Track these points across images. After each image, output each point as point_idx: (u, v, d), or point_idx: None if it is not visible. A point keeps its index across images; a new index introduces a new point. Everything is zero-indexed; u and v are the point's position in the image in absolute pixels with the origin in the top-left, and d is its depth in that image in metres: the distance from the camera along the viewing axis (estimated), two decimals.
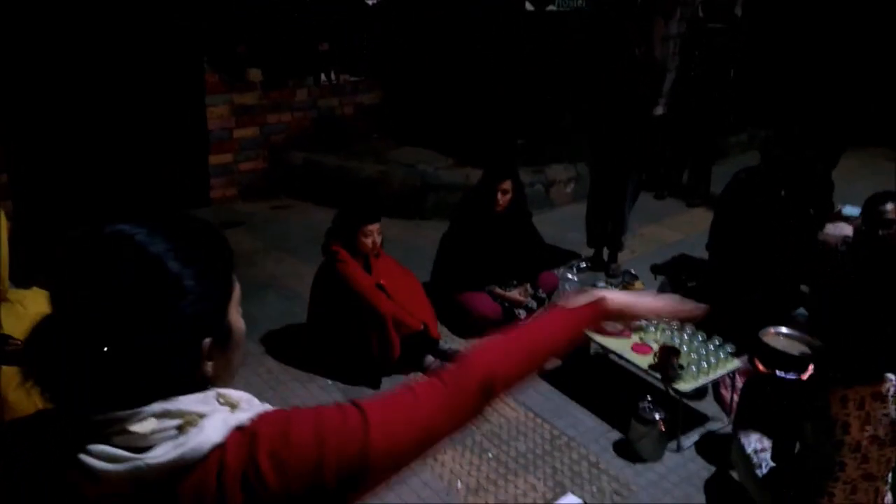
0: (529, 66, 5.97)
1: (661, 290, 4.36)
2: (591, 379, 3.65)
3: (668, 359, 3.14)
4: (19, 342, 2.03)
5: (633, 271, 4.55)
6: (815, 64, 7.26)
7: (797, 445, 2.36)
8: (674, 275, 4.42)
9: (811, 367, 3.01)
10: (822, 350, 2.75)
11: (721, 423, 3.33)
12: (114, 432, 0.76)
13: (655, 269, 4.69)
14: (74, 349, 0.76)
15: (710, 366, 3.18)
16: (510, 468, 3.02)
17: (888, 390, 2.14)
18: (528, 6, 5.79)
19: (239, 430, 0.81)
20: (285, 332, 4.01)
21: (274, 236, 5.42)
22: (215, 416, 0.80)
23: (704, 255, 4.29)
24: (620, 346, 3.41)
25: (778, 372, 3.00)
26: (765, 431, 2.66)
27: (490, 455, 3.10)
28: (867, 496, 2.16)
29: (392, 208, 5.43)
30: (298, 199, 6.15)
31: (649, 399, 3.13)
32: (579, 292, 1.13)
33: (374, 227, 3.59)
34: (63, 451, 0.76)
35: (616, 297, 1.13)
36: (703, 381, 3.16)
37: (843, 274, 3.57)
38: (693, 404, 3.42)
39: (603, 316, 1.14)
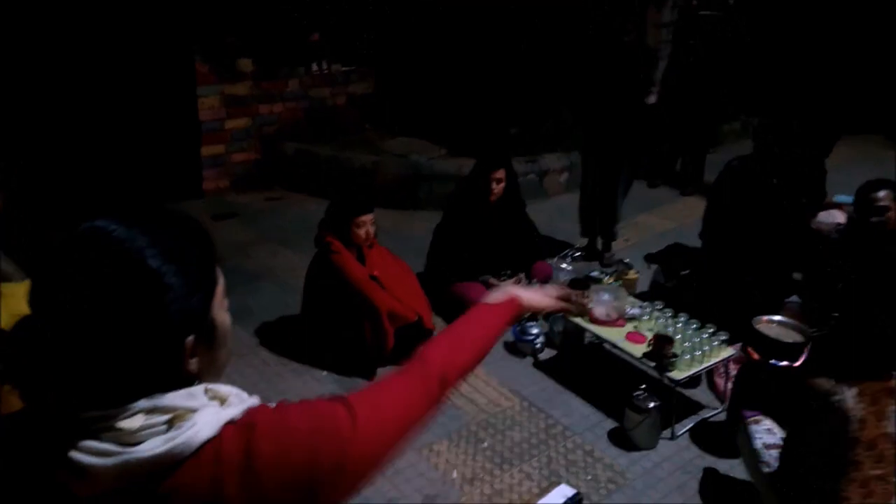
0: (522, 55, 5.95)
1: (655, 278, 4.36)
2: (585, 368, 3.66)
3: (661, 347, 3.15)
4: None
5: (626, 260, 4.56)
6: (808, 52, 7.26)
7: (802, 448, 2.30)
8: (667, 263, 4.42)
9: (804, 354, 3.03)
10: (832, 343, 2.71)
11: (715, 411, 3.35)
12: (101, 429, 0.75)
13: (649, 258, 4.70)
14: (54, 349, 0.75)
15: (703, 354, 3.19)
16: (505, 458, 3.03)
17: None
18: None
19: (231, 423, 0.81)
20: (279, 324, 4.01)
21: (267, 228, 5.40)
22: (206, 411, 0.80)
23: (698, 243, 4.29)
24: (615, 335, 3.42)
25: (771, 360, 3.01)
26: (774, 418, 2.62)
27: (485, 445, 3.11)
28: (881, 497, 2.10)
29: (385, 199, 5.42)
30: (292, 189, 6.14)
31: (643, 388, 3.14)
32: (496, 290, 1.27)
33: (367, 218, 3.58)
34: (49, 449, 0.76)
35: (524, 293, 1.27)
36: (696, 369, 3.18)
37: (837, 264, 3.57)
38: (687, 392, 3.44)
39: (520, 310, 1.27)
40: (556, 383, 3.56)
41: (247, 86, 6.03)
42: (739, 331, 3.28)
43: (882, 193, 3.42)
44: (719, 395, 3.43)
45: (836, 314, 3.45)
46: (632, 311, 3.53)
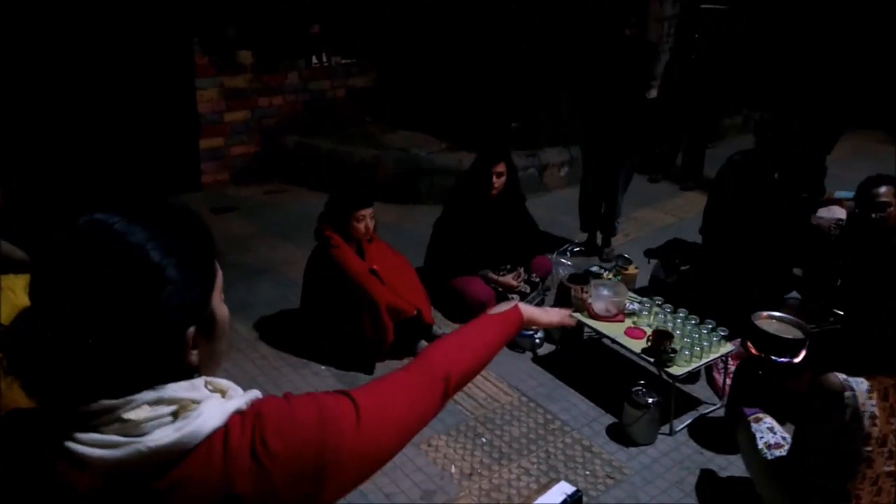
0: (523, 49, 5.92)
1: (655, 273, 4.36)
2: (584, 363, 3.67)
3: (660, 343, 3.15)
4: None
5: (626, 255, 4.54)
6: (810, 46, 7.22)
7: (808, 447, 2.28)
8: (667, 258, 4.41)
9: (804, 350, 3.02)
10: (841, 337, 2.68)
11: (713, 407, 3.35)
12: (103, 422, 0.76)
13: (649, 253, 4.68)
14: (56, 343, 0.75)
15: (702, 350, 3.19)
16: (504, 453, 3.03)
17: None
18: None
19: (239, 413, 0.82)
20: (279, 318, 4.00)
21: (267, 221, 5.39)
22: (210, 402, 0.81)
23: (698, 238, 4.28)
24: (614, 330, 3.42)
25: (771, 356, 3.01)
26: (776, 416, 2.61)
27: (483, 440, 3.11)
28: (890, 498, 2.09)
29: (385, 193, 5.41)
30: (291, 183, 6.12)
31: (642, 383, 3.14)
32: (501, 303, 1.35)
33: (367, 212, 3.58)
34: (49, 443, 0.76)
35: (527, 309, 1.35)
36: (695, 364, 3.18)
37: (837, 261, 3.56)
38: (686, 388, 3.44)
39: (522, 322, 1.33)
40: (554, 378, 3.56)
41: (246, 78, 6.00)
42: (739, 326, 3.28)
43: (883, 189, 3.41)
44: (718, 391, 3.43)
45: (837, 310, 3.45)
46: (631, 307, 3.53)
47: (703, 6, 5.79)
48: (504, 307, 1.31)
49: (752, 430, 2.55)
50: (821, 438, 2.13)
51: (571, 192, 5.37)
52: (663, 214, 5.73)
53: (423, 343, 3.67)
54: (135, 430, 0.75)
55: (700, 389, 3.49)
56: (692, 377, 3.43)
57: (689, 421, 3.25)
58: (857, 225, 3.58)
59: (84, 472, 0.74)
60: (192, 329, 0.81)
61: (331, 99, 6.61)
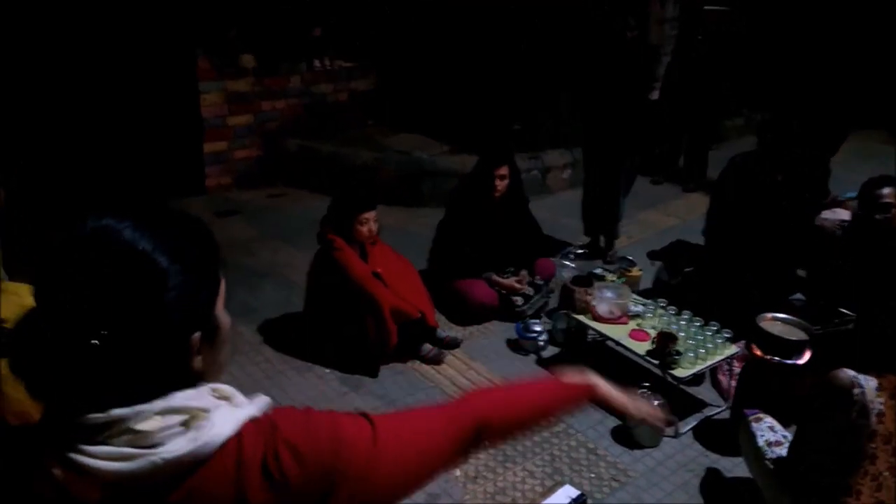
0: (524, 51, 5.93)
1: (658, 275, 4.35)
2: (588, 365, 3.64)
3: (665, 345, 3.15)
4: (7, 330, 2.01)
5: (629, 257, 4.55)
6: (813, 47, 7.22)
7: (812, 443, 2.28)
8: (670, 260, 4.41)
9: (807, 352, 3.02)
10: (851, 335, 2.68)
11: (718, 409, 3.35)
12: (114, 433, 0.75)
13: (652, 255, 4.68)
14: (61, 350, 0.75)
15: (707, 352, 3.18)
16: (508, 455, 3.03)
17: None
18: None
19: (253, 422, 0.82)
20: (282, 321, 4.00)
21: (270, 225, 5.40)
22: (220, 411, 0.80)
23: (701, 240, 4.28)
24: (618, 332, 3.42)
25: (775, 358, 3.00)
26: (780, 418, 2.61)
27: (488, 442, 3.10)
28: (890, 494, 2.09)
29: (388, 195, 5.41)
30: (294, 186, 6.13)
31: (647, 385, 3.14)
32: (577, 371, 1.23)
33: (370, 215, 3.58)
34: (53, 455, 0.75)
35: (604, 387, 1.25)
36: (700, 367, 3.17)
37: (840, 262, 3.55)
38: (690, 390, 3.44)
39: (591, 399, 1.25)
40: None
41: (249, 82, 6.02)
42: (743, 328, 3.27)
43: (886, 190, 3.40)
44: (723, 393, 3.42)
45: (842, 311, 3.45)
46: (635, 309, 3.52)
47: (706, 7, 5.78)
48: (579, 378, 1.21)
49: (752, 428, 2.56)
50: (824, 437, 2.14)
51: (574, 194, 5.36)
52: (666, 216, 5.72)
53: (427, 346, 3.67)
54: (147, 441, 0.75)
55: (705, 391, 3.49)
56: (697, 379, 3.41)
57: (693, 423, 3.24)
58: (861, 226, 3.58)
59: (94, 485, 0.74)
60: (196, 335, 0.81)
61: (333, 102, 6.62)
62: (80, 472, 0.74)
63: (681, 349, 3.15)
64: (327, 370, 3.59)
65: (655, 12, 4.53)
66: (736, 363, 3.35)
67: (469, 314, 4.01)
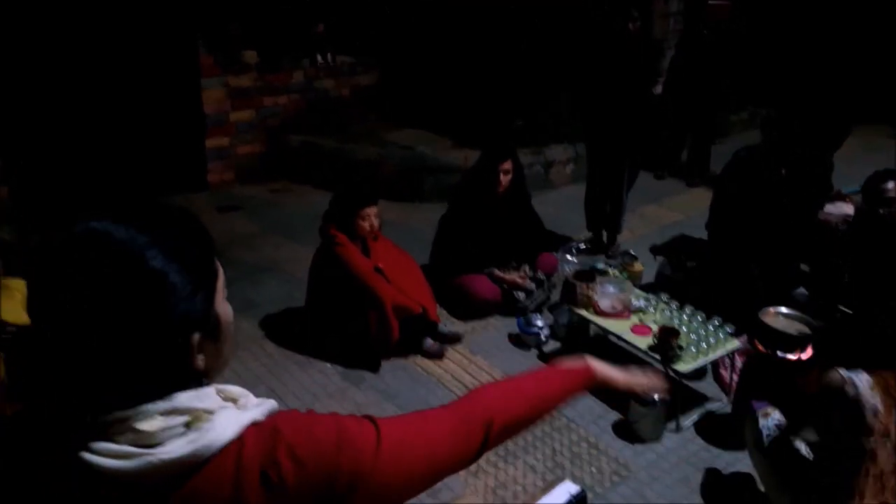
0: (526, 46, 5.91)
1: (661, 270, 4.34)
2: None
3: (667, 340, 3.14)
4: (15, 328, 2.03)
5: (632, 252, 4.54)
6: (816, 42, 7.19)
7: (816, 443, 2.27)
8: (673, 255, 4.40)
9: (810, 347, 3.01)
10: (845, 332, 2.67)
11: (720, 404, 3.34)
12: (117, 431, 0.75)
13: (655, 250, 4.67)
14: (59, 353, 0.75)
15: (709, 346, 3.18)
16: (509, 450, 3.03)
17: None
18: None
19: (255, 426, 0.81)
20: (285, 317, 4.01)
21: (272, 220, 5.40)
22: (225, 413, 0.80)
23: (704, 235, 4.27)
24: (620, 327, 3.41)
25: (777, 352, 3.00)
26: (783, 413, 2.60)
27: None
28: (893, 494, 2.07)
29: (390, 190, 5.41)
30: (296, 182, 6.14)
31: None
32: (572, 357, 1.22)
33: (372, 210, 3.58)
34: (62, 451, 0.75)
35: (601, 367, 1.23)
36: (702, 361, 3.17)
37: (843, 257, 3.54)
38: (692, 385, 3.43)
39: (592, 383, 1.23)
40: None
41: (251, 77, 6.02)
42: (745, 323, 3.27)
43: (890, 184, 3.39)
44: (725, 388, 3.42)
45: (843, 306, 3.43)
46: (637, 304, 3.52)
47: (710, 1, 5.76)
48: (576, 363, 1.21)
49: (760, 425, 2.54)
50: (824, 436, 2.13)
51: (577, 188, 5.35)
52: (669, 211, 5.71)
53: (429, 341, 3.67)
54: (148, 440, 0.75)
55: (707, 386, 3.48)
56: (699, 374, 3.41)
57: (695, 418, 3.24)
58: (865, 221, 3.56)
59: (99, 482, 0.74)
60: (197, 334, 0.80)
61: (335, 98, 6.62)
62: (83, 469, 0.74)
63: (683, 344, 3.15)
64: (329, 365, 3.59)
65: (659, 7, 4.51)
66: (738, 358, 3.34)
67: (471, 309, 4.01)
